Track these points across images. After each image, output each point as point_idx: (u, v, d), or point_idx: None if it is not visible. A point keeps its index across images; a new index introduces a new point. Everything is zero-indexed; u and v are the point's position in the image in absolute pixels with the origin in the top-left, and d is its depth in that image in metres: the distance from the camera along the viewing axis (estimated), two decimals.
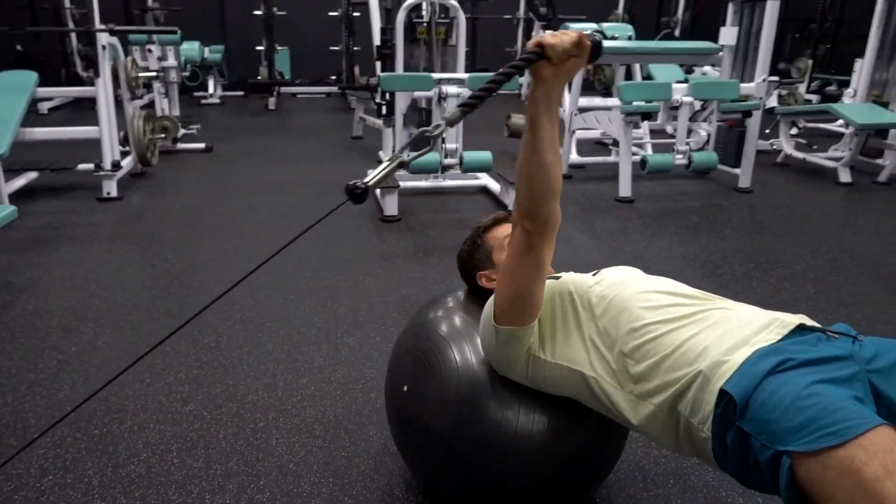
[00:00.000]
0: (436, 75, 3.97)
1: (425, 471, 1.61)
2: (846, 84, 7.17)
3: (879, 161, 5.15)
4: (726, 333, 1.14)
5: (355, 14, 8.59)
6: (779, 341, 1.11)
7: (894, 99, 5.05)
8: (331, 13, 9.08)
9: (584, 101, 5.13)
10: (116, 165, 4.24)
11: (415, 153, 1.18)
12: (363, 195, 1.13)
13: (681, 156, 4.28)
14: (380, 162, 3.62)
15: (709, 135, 5.04)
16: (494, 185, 4.41)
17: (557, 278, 1.38)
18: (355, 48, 8.71)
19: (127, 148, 4.65)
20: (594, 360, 1.24)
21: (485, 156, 4.00)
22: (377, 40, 5.52)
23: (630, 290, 1.27)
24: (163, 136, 5.23)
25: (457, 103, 3.99)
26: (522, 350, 1.29)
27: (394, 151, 4.40)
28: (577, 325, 1.29)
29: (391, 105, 4.92)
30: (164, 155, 5.23)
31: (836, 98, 8.06)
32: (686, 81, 4.57)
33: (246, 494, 1.63)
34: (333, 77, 9.79)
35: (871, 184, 4.96)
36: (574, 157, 5.19)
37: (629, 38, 5.43)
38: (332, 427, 1.91)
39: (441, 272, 3.08)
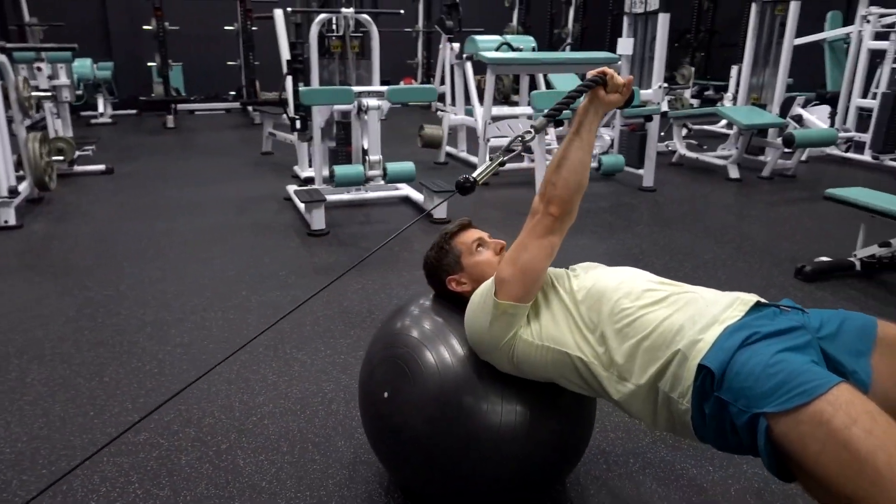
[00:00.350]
0: (356, 88, 3.99)
1: (406, 473, 1.64)
2: (724, 89, 7.82)
3: (762, 158, 5.66)
4: (697, 314, 1.25)
5: (254, 28, 8.42)
6: (742, 317, 1.23)
7: (771, 101, 5.56)
8: (227, 27, 8.86)
9: (496, 111, 5.30)
10: (14, 191, 3.95)
11: (488, 167, 1.43)
12: (472, 188, 1.40)
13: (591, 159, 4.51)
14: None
15: (612, 139, 5.35)
16: (416, 195, 4.47)
17: None
18: (255, 63, 8.54)
19: (21, 172, 4.33)
20: (580, 342, 1.33)
21: (408, 166, 4.06)
22: (285, 55, 5.46)
23: (606, 279, 1.38)
24: (60, 158, 4.91)
25: (378, 116, 4.03)
26: (513, 329, 1.36)
27: (310, 165, 4.38)
28: (563, 310, 1.37)
29: (306, 120, 4.91)
30: (61, 178, 4.91)
31: (715, 102, 8.77)
32: None
33: None
34: (233, 93, 9.53)
35: (757, 178, 5.44)
36: None
37: (533, 49, 5.67)
38: (299, 442, 1.90)
39: (380, 283, 3.10)
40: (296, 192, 4.16)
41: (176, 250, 3.55)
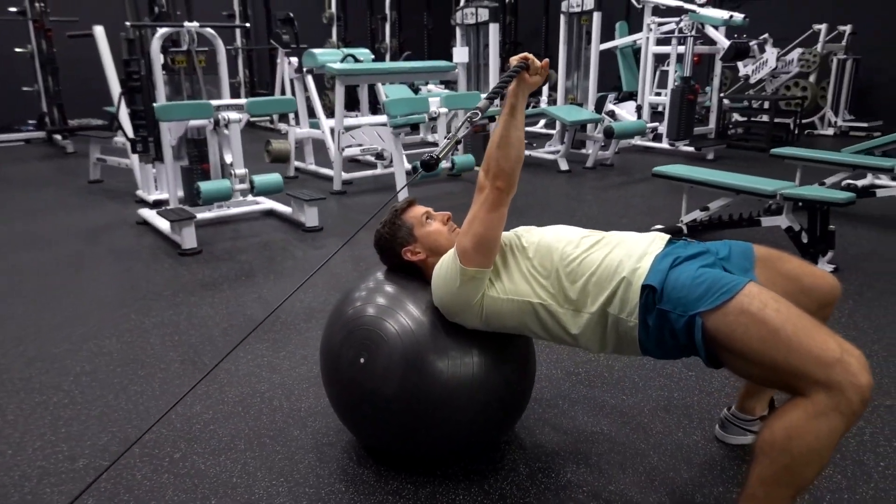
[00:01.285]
0: (215, 102, 3.91)
1: (377, 434, 1.74)
2: (539, 92, 8.62)
3: (584, 151, 6.37)
4: (629, 249, 1.53)
5: (54, 50, 7.72)
6: (664, 248, 1.53)
7: (586, 100, 6.29)
8: (17, 49, 8.01)
9: (347, 121, 5.42)
10: None
11: (461, 132, 1.58)
12: (436, 164, 1.51)
13: (446, 161, 4.82)
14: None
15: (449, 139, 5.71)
16: (282, 208, 4.46)
17: None
18: (58, 88, 7.84)
19: None
20: (537, 289, 1.55)
21: (275, 178, 4.06)
22: (111, 74, 5.15)
23: (549, 235, 1.62)
24: None
25: (238, 129, 3.99)
26: (480, 291, 1.54)
27: (156, 188, 4.19)
28: (517, 266, 1.58)
29: (147, 140, 4.68)
30: None
31: (531, 104, 9.62)
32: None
33: None
34: (32, 122, 8.60)
35: (583, 169, 6.12)
36: (344, 174, 5.46)
37: (373, 61, 5.88)
38: (254, 438, 1.92)
39: (276, 290, 3.11)
40: (159, 212, 3.97)
41: (34, 284, 3.25)
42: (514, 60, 1.59)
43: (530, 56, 1.59)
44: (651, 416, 2.00)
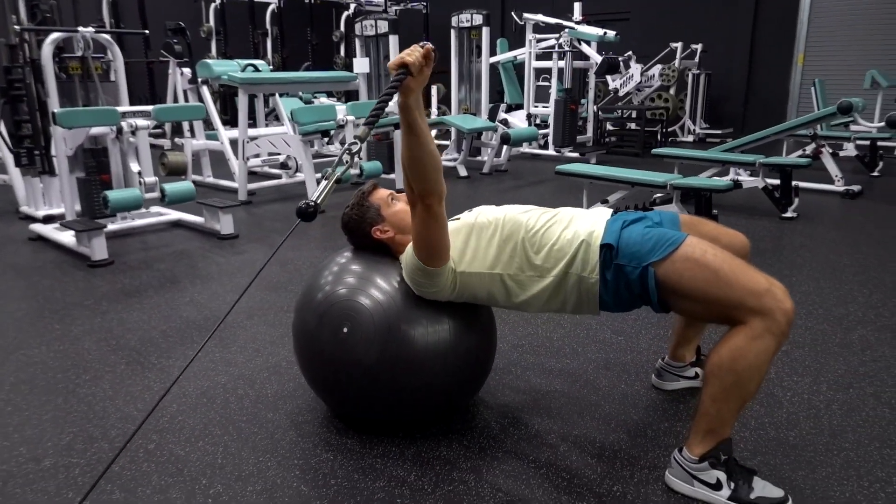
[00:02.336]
0: (121, 109, 3.78)
1: (357, 404, 1.83)
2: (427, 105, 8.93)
3: (479, 158, 6.68)
4: (583, 220, 1.73)
5: None
6: (611, 216, 1.76)
7: (479, 110, 6.62)
8: None
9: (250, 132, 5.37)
10: None
11: (340, 168, 1.44)
12: (314, 213, 1.36)
13: (355, 167, 4.92)
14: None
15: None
16: (191, 217, 4.36)
17: (458, 220, 1.81)
18: None
19: None
20: (504, 262, 1.71)
21: (187, 186, 3.97)
22: None
23: (511, 213, 1.78)
24: None
25: (146, 136, 3.88)
26: (447, 276, 1.69)
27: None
28: (485, 244, 1.73)
29: (33, 151, 4.41)
30: None
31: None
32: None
33: (198, 494, 1.61)
34: None
35: (480, 175, 6.43)
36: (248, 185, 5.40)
37: (271, 69, 5.86)
38: (228, 423, 1.94)
39: (208, 294, 3.07)
40: (61, 223, 3.75)
41: None
42: (392, 67, 1.47)
43: (407, 58, 1.46)
44: (595, 374, 2.23)
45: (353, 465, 1.72)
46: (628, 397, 2.08)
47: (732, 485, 1.54)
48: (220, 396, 2.10)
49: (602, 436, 1.86)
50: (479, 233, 1.76)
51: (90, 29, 4.11)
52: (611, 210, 1.83)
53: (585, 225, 1.71)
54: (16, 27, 3.78)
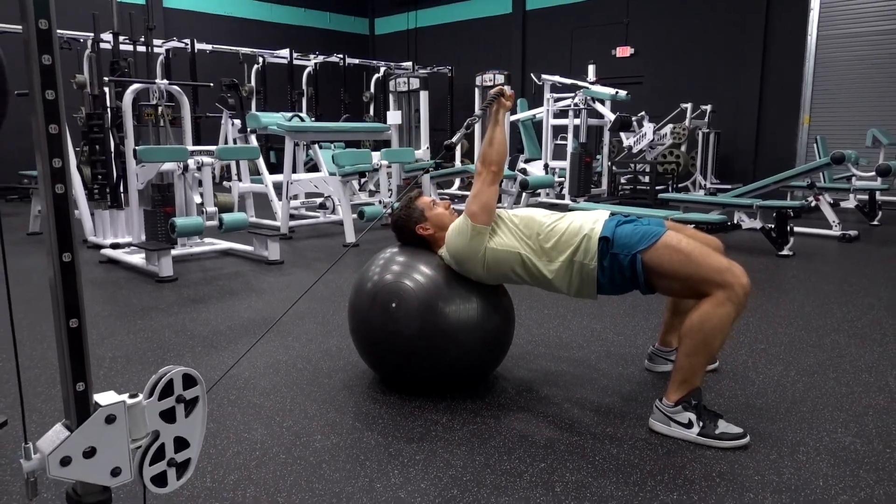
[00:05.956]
0: (190, 147, 4.35)
1: (399, 368, 2.25)
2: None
3: (500, 205, 7.19)
4: (585, 219, 2.19)
5: None
6: (609, 217, 2.21)
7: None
8: None
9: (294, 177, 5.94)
10: None
11: (461, 133, 2.31)
12: (452, 147, 2.28)
13: (386, 207, 5.43)
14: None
15: (391, 190, 6.38)
16: (240, 246, 4.87)
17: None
18: None
19: None
20: (523, 245, 2.16)
21: (241, 216, 4.49)
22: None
23: (529, 212, 2.25)
24: None
25: (210, 172, 4.43)
26: (484, 243, 2.14)
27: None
28: (508, 229, 2.19)
29: (105, 187, 5.00)
30: None
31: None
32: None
33: (274, 426, 2.02)
34: None
35: None
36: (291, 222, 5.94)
37: (312, 121, 6.50)
38: (293, 385, 2.36)
39: (263, 304, 3.53)
40: (135, 245, 4.28)
41: (31, 316, 3.48)
42: (491, 92, 2.31)
43: (503, 88, 2.33)
44: (597, 360, 2.63)
45: (396, 411, 2.13)
46: (624, 376, 2.47)
47: (701, 423, 1.93)
48: (284, 368, 2.53)
49: (599, 399, 2.25)
50: (504, 223, 2.23)
51: (164, 81, 4.74)
52: (608, 212, 2.28)
53: (588, 222, 2.16)
54: (105, 78, 4.41)
